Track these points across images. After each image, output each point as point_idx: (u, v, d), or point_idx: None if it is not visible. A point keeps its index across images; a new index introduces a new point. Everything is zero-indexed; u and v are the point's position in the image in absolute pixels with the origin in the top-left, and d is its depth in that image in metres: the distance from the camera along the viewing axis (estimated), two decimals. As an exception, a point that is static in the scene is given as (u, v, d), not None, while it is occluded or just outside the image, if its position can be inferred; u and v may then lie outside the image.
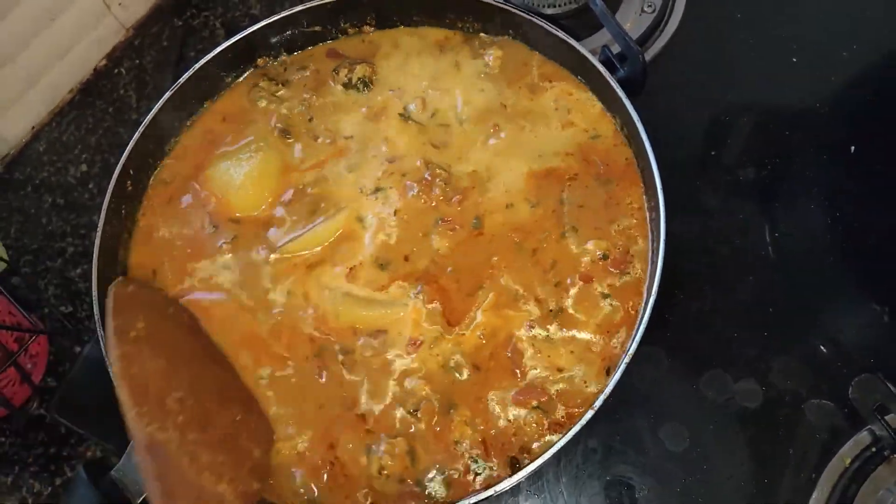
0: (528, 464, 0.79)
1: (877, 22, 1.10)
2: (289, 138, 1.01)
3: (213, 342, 0.85)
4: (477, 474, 0.82)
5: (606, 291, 0.88)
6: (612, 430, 0.94)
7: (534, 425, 0.83)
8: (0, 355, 1.04)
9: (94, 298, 0.86)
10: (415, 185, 0.95)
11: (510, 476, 0.80)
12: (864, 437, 0.90)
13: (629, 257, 0.88)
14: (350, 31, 1.07)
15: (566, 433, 0.77)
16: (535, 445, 0.83)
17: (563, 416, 0.83)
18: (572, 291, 0.88)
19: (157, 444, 0.64)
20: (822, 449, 0.91)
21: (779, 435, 0.92)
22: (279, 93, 1.04)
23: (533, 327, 0.87)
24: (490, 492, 0.79)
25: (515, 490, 0.94)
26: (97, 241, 0.89)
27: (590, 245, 0.90)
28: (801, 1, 1.14)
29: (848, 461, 0.89)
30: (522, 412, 0.84)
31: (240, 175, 0.98)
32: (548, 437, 0.83)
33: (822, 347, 0.96)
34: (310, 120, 1.02)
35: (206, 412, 0.70)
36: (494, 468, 0.82)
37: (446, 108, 1.01)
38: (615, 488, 0.92)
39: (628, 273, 0.88)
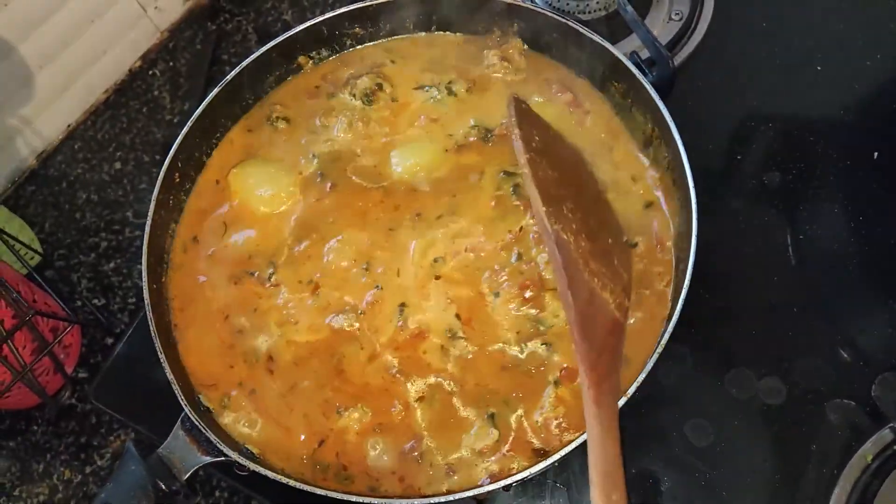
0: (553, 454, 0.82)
1: (898, 34, 1.14)
2: None
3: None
4: None
5: None
6: (639, 425, 0.96)
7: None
8: (36, 344, 1.07)
9: (143, 274, 0.90)
10: None
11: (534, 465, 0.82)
12: (886, 434, 0.92)
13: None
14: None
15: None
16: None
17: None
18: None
19: (561, 241, 0.71)
20: (843, 446, 0.92)
21: (802, 432, 0.94)
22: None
23: None
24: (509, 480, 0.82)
25: (542, 481, 0.96)
26: (147, 228, 0.92)
27: None
28: (827, 12, 1.16)
29: (870, 458, 0.91)
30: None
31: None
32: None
33: (844, 347, 0.98)
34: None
35: (589, 226, 0.77)
36: None
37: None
38: (641, 481, 0.94)
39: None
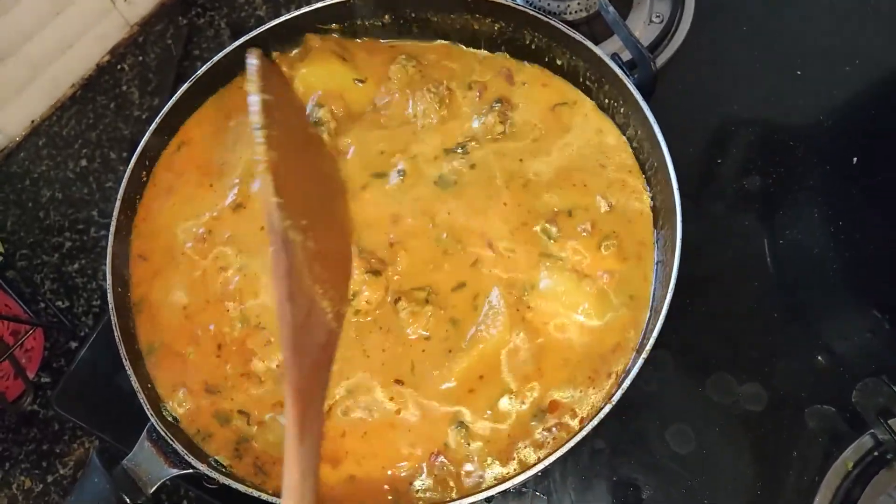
0: (537, 462, 0.80)
1: (878, 39, 1.14)
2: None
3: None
4: None
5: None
6: (619, 432, 0.95)
7: None
8: (-4, 348, 1.03)
9: (108, 277, 0.87)
10: None
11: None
12: (866, 441, 0.91)
13: None
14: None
15: (580, 430, 0.77)
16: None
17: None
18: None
19: (288, 242, 0.61)
20: (824, 452, 0.92)
21: (783, 438, 0.93)
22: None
23: None
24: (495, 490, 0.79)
25: (521, 491, 0.94)
26: (112, 228, 0.89)
27: None
28: (806, 17, 1.16)
29: (850, 465, 0.91)
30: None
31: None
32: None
33: (824, 353, 0.97)
34: None
35: (320, 220, 0.70)
36: None
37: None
38: (622, 489, 0.92)
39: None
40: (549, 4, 1.10)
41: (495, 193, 0.93)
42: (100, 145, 1.31)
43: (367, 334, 0.87)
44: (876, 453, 0.91)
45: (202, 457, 0.82)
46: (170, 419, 0.86)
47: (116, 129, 1.32)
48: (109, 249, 0.90)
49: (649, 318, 0.87)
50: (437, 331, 0.87)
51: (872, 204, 1.05)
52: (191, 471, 0.81)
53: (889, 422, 0.90)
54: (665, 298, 0.82)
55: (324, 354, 0.67)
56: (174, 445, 0.80)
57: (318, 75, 1.01)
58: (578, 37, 0.93)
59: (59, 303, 1.20)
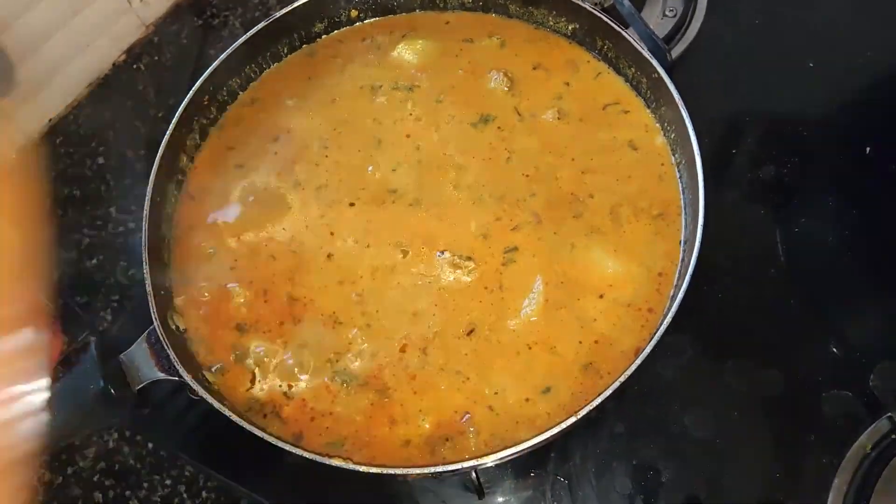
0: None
1: (890, 30, 1.15)
2: None
3: None
4: None
5: None
6: (639, 416, 0.95)
7: None
8: (16, 341, 1.03)
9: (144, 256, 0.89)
10: None
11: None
12: (883, 424, 0.92)
13: None
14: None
15: (608, 388, 0.76)
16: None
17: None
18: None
19: None
20: (842, 436, 0.92)
21: (801, 422, 0.94)
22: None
23: None
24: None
25: (542, 474, 0.95)
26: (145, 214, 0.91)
27: None
28: (818, 9, 1.18)
29: (869, 447, 0.91)
30: None
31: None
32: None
33: (840, 339, 0.98)
34: None
35: None
36: None
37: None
38: (641, 472, 0.93)
39: None
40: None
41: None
42: (117, 144, 1.32)
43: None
44: (893, 436, 0.91)
45: (192, 370, 0.84)
46: (173, 328, 0.89)
47: (133, 127, 1.33)
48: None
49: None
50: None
51: (886, 192, 1.06)
52: (177, 378, 0.83)
53: (907, 404, 0.91)
54: (684, 281, 0.82)
55: None
56: (168, 352, 0.83)
57: (415, 50, 1.07)
58: (605, 17, 0.94)
59: (78, 298, 1.21)
